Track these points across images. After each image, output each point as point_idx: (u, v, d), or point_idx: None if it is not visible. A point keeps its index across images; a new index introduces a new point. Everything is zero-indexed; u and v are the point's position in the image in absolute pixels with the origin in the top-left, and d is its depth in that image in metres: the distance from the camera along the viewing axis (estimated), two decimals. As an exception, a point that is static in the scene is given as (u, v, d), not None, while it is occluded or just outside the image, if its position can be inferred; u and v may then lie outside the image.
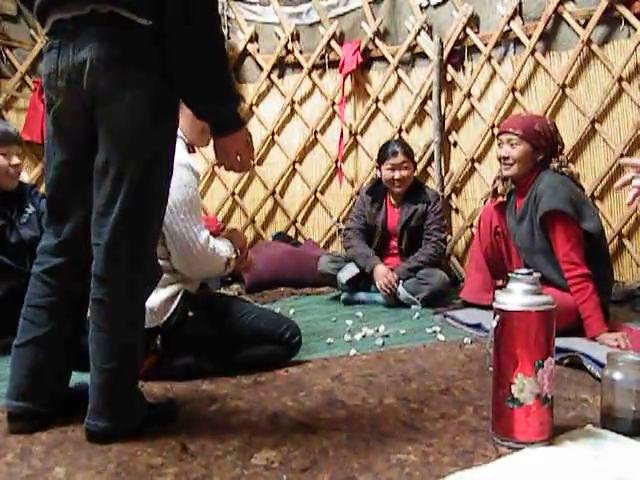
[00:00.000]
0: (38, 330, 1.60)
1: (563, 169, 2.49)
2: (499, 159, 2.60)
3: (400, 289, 3.27)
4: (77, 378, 1.78)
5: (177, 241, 1.96)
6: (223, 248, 2.08)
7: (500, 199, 2.79)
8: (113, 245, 1.49)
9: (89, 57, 1.42)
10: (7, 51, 4.33)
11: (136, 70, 1.45)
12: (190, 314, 2.01)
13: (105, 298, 1.51)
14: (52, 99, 1.52)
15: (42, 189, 2.42)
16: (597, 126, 3.60)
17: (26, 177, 4.21)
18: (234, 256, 2.12)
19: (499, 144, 2.61)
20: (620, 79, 3.48)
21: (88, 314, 2.36)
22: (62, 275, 1.61)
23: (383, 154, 3.46)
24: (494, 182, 2.78)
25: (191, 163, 2.01)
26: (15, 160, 2.51)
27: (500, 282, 2.93)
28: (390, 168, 3.40)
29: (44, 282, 1.61)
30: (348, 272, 3.36)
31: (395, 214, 3.48)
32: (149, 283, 1.62)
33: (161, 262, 1.98)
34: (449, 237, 4.00)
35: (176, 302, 2.00)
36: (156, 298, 1.97)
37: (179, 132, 1.98)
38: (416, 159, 4.20)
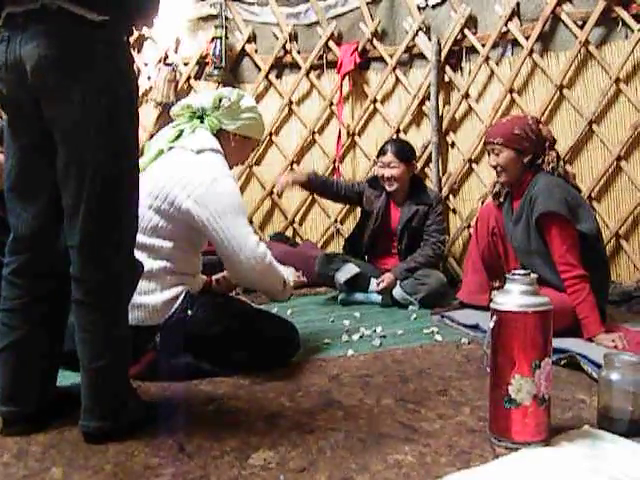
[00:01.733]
0: (15, 333, 1.57)
1: (559, 169, 2.50)
2: (493, 167, 2.63)
3: (397, 289, 3.27)
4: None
5: (227, 245, 1.98)
6: (282, 269, 2.15)
7: (497, 202, 2.81)
8: (84, 246, 1.48)
9: (37, 53, 1.40)
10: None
11: (86, 68, 1.43)
12: (189, 312, 2.01)
13: (83, 298, 1.51)
14: (1, 91, 1.50)
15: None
16: (594, 127, 3.61)
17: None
18: (291, 282, 2.20)
19: (488, 153, 2.63)
20: (617, 80, 3.49)
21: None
22: (28, 274, 1.59)
23: (379, 151, 3.55)
24: (494, 185, 2.80)
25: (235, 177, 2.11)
26: None
27: (497, 283, 2.94)
28: (380, 166, 3.47)
29: (12, 283, 1.59)
30: (346, 272, 3.35)
31: (395, 212, 3.51)
32: (128, 281, 1.61)
33: (167, 264, 2.00)
34: (446, 237, 4.00)
35: (178, 302, 2.02)
36: (160, 297, 1.99)
37: (221, 151, 2.11)
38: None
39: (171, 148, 2.10)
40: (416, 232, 3.45)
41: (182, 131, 2.12)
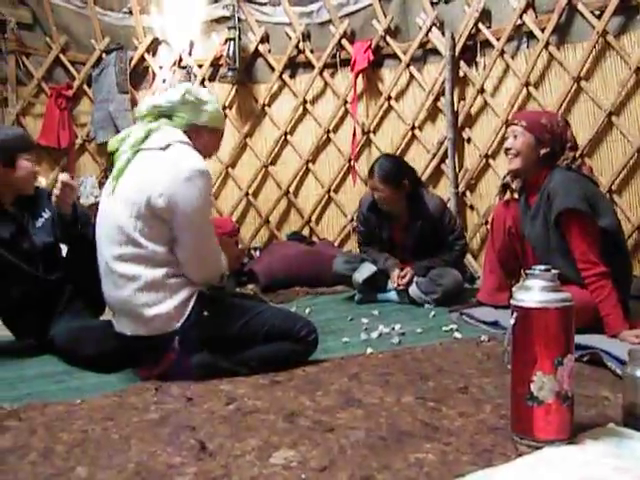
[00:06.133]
0: None
1: (576, 162, 2.46)
2: (505, 152, 2.58)
3: (413, 288, 3.25)
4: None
5: (193, 246, 2.00)
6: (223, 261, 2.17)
7: (508, 196, 2.78)
8: None
9: None
10: (23, 58, 4.38)
11: None
12: (205, 313, 2.02)
13: None
14: None
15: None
16: (614, 119, 3.56)
17: (43, 182, 4.27)
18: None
19: (507, 137, 2.59)
20: (637, 70, 3.43)
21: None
22: None
23: (369, 171, 3.35)
24: (504, 177, 2.75)
25: (208, 170, 2.04)
26: (36, 167, 2.58)
27: (514, 282, 2.91)
28: (370, 187, 3.33)
29: None
30: (365, 271, 3.33)
31: (400, 229, 3.36)
32: None
33: (168, 269, 1.99)
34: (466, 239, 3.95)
35: (191, 304, 2.01)
36: (171, 304, 1.98)
37: (190, 142, 2.08)
38: (429, 156, 4.20)
39: (138, 151, 2.05)
40: (429, 244, 3.30)
41: (150, 131, 2.07)
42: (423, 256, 3.33)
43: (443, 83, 4.13)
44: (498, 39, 3.94)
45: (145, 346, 2.03)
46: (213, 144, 2.24)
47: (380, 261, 3.36)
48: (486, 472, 1.29)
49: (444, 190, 4.19)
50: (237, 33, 4.48)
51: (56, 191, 2.40)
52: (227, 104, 4.68)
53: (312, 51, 4.59)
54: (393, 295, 3.34)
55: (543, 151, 2.46)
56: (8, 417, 1.69)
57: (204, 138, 2.15)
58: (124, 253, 1.97)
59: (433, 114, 4.32)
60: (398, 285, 3.26)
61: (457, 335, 2.56)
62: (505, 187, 2.76)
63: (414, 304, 3.25)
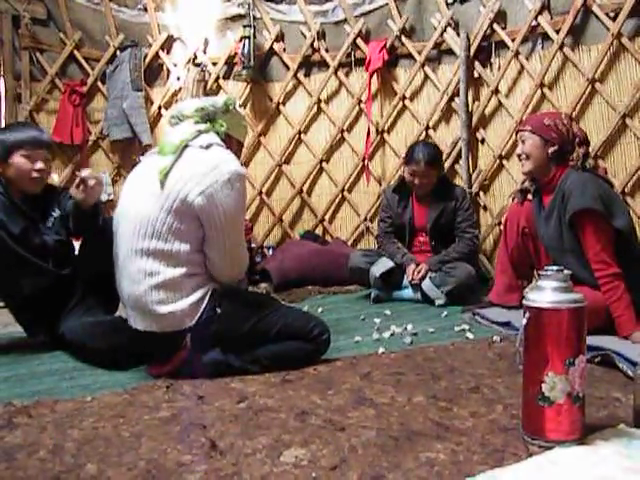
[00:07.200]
0: None
1: (589, 161, 2.46)
2: (518, 158, 2.62)
3: (426, 281, 3.28)
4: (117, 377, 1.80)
5: (226, 247, 2.03)
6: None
7: (520, 198, 2.79)
8: None
9: None
10: (37, 54, 4.42)
11: None
12: (218, 311, 2.02)
13: None
14: None
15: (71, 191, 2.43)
16: (628, 121, 3.52)
17: (56, 178, 4.30)
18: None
19: (517, 145, 2.63)
20: (652, 72, 3.40)
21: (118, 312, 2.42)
22: None
23: (408, 156, 3.46)
24: (522, 182, 2.78)
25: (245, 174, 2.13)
26: (39, 165, 2.45)
27: (525, 283, 2.91)
28: (411, 173, 3.42)
29: None
30: (382, 266, 3.36)
31: (422, 210, 3.50)
32: None
33: (187, 269, 2.00)
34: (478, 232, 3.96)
35: (205, 302, 2.02)
36: (187, 302, 1.99)
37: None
38: (443, 156, 4.18)
39: (185, 147, 2.07)
40: (446, 228, 3.45)
41: (200, 132, 2.10)
42: (438, 241, 3.44)
43: (457, 83, 4.12)
44: (513, 40, 3.92)
45: (157, 342, 2.04)
46: (237, 156, 2.27)
47: (397, 257, 3.41)
48: (496, 472, 1.29)
49: (457, 190, 4.17)
50: (252, 31, 4.48)
51: (83, 189, 2.33)
52: (241, 102, 4.69)
53: (327, 50, 4.59)
54: (408, 293, 3.36)
55: (551, 149, 2.49)
56: (18, 414, 1.71)
57: (232, 149, 2.20)
58: (147, 247, 1.97)
59: (447, 114, 4.31)
60: (413, 279, 3.29)
61: (469, 335, 2.55)
62: (523, 192, 2.77)
63: (427, 301, 3.26)
